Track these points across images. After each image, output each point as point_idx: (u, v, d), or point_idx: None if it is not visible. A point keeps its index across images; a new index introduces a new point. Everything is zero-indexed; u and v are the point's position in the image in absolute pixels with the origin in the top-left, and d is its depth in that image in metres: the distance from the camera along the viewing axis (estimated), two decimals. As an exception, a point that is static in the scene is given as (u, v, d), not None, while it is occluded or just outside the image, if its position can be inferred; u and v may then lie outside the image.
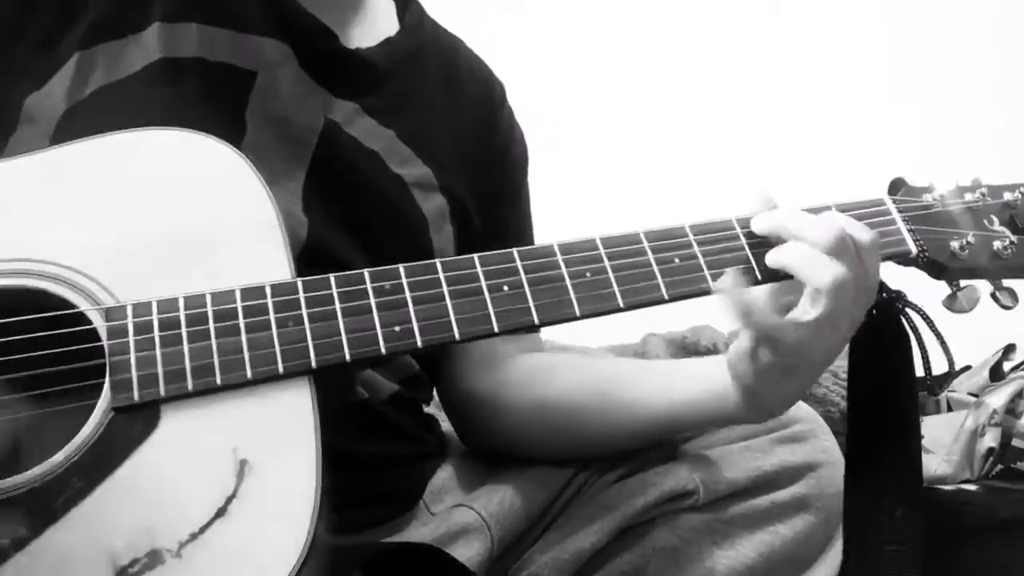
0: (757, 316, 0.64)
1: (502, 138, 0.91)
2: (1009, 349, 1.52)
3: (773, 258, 0.67)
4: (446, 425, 0.92)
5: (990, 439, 1.37)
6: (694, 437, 0.82)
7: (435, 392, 0.90)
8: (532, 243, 0.91)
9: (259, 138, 0.74)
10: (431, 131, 0.84)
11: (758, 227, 0.69)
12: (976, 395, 1.45)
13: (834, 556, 0.80)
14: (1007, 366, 1.50)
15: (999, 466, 1.37)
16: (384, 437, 0.81)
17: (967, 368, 1.57)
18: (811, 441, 0.80)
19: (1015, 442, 1.36)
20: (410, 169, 0.81)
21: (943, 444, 1.36)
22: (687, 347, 1.44)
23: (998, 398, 1.40)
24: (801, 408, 0.82)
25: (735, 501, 0.78)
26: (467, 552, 0.74)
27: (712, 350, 1.40)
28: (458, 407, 0.87)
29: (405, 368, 0.83)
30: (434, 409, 0.92)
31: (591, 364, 0.85)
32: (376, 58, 0.81)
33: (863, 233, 0.66)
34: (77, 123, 0.71)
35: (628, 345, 1.46)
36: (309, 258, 0.71)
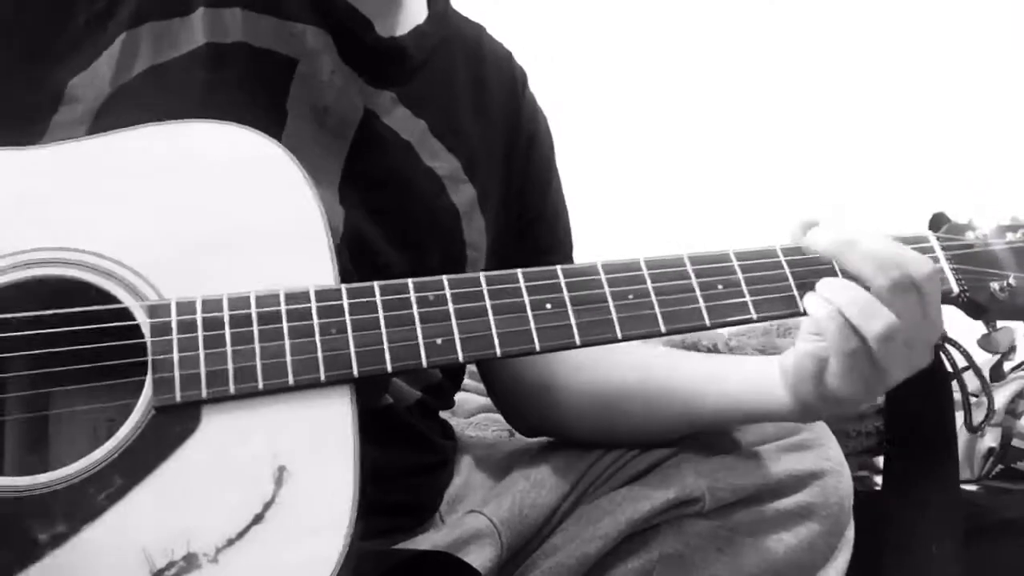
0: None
1: (527, 125, 0.90)
2: (1009, 349, 1.51)
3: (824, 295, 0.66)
4: (458, 431, 0.93)
5: (990, 439, 1.37)
6: (700, 444, 0.82)
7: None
8: (568, 232, 0.93)
9: (299, 126, 0.74)
10: (460, 121, 0.83)
11: (818, 245, 0.67)
12: (976, 395, 1.45)
13: (838, 565, 0.80)
14: (1007, 366, 1.47)
15: (999, 466, 1.37)
16: (406, 444, 0.81)
17: (967, 368, 1.56)
18: (817, 450, 0.80)
19: (1015, 442, 1.36)
20: (441, 162, 0.81)
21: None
22: (687, 348, 1.43)
23: (998, 398, 1.39)
24: None
25: (740, 508, 0.78)
26: (479, 558, 0.75)
27: (712, 351, 1.40)
28: (507, 391, 0.88)
29: (429, 376, 0.83)
30: (447, 414, 0.92)
31: (644, 349, 0.84)
32: (410, 46, 0.81)
33: (927, 279, 0.65)
34: (121, 105, 0.70)
35: (629, 345, 1.46)
36: (346, 250, 0.71)
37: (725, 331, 1.43)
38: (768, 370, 0.74)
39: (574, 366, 0.83)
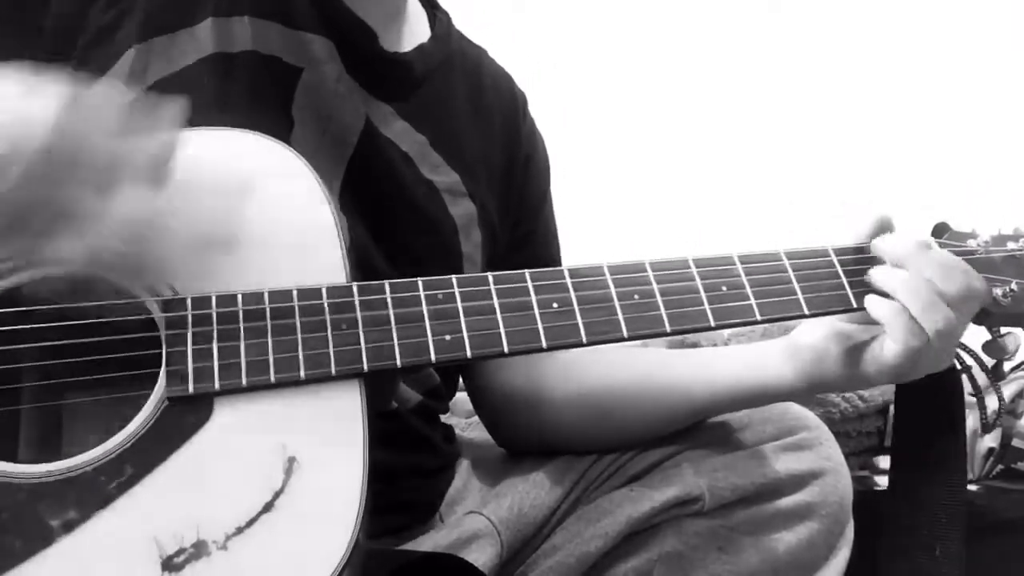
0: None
1: (525, 147, 0.92)
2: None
3: (879, 283, 0.69)
4: (458, 431, 0.94)
5: (990, 439, 1.36)
6: (699, 443, 0.82)
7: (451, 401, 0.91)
8: (558, 250, 0.94)
9: (304, 134, 0.76)
10: (460, 139, 0.85)
11: (884, 248, 0.71)
12: (976, 395, 1.44)
13: (838, 564, 0.80)
14: (1007, 366, 1.48)
15: (999, 466, 1.36)
16: (409, 446, 0.82)
17: (967, 369, 1.56)
18: (816, 449, 0.80)
19: (1015, 442, 1.35)
20: (440, 176, 0.82)
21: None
22: (687, 348, 1.44)
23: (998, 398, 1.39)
24: (807, 417, 0.83)
25: (740, 507, 0.78)
26: (480, 558, 0.75)
27: (712, 351, 1.41)
28: (494, 405, 0.88)
29: (428, 380, 0.84)
30: (446, 416, 0.92)
31: (630, 349, 0.85)
32: (412, 62, 0.83)
33: (985, 293, 0.70)
34: None
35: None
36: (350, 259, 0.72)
37: (725, 331, 1.44)
38: (764, 349, 0.76)
39: (563, 375, 0.83)
